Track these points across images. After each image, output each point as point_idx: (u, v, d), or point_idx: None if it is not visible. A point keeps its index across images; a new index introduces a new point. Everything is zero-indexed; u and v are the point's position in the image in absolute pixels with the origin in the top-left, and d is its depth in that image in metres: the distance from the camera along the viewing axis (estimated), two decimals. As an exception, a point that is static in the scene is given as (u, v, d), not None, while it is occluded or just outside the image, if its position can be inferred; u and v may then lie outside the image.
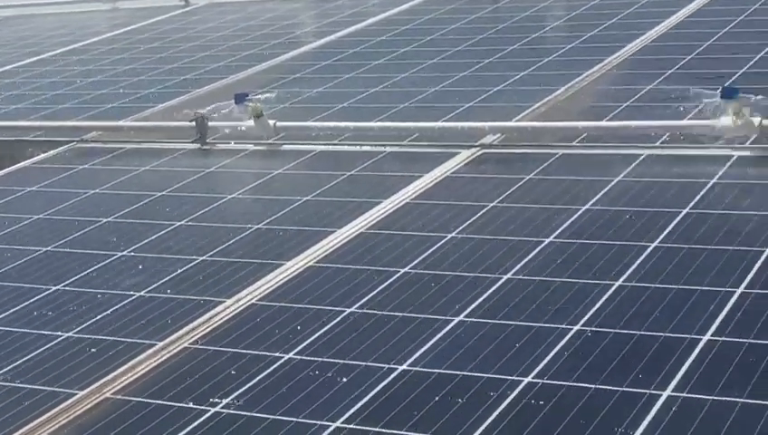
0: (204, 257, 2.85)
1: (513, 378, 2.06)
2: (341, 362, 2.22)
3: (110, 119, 4.32)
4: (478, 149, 3.44)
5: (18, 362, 2.39)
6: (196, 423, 2.06)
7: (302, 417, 2.03)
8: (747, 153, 3.10)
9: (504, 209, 2.93)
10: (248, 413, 2.07)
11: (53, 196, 3.53)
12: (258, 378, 2.19)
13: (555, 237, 2.69)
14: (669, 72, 3.92)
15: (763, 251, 2.45)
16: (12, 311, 2.67)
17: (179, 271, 2.78)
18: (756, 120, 3.11)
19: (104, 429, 2.09)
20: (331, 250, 2.80)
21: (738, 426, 1.81)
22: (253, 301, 2.56)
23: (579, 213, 2.82)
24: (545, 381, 2.04)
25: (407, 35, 5.18)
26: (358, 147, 3.63)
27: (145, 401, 2.17)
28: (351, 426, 1.98)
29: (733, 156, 3.08)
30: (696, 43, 4.25)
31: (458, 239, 2.76)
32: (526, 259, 2.58)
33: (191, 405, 2.12)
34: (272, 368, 2.23)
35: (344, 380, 2.15)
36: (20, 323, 2.59)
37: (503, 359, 2.14)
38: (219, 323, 2.47)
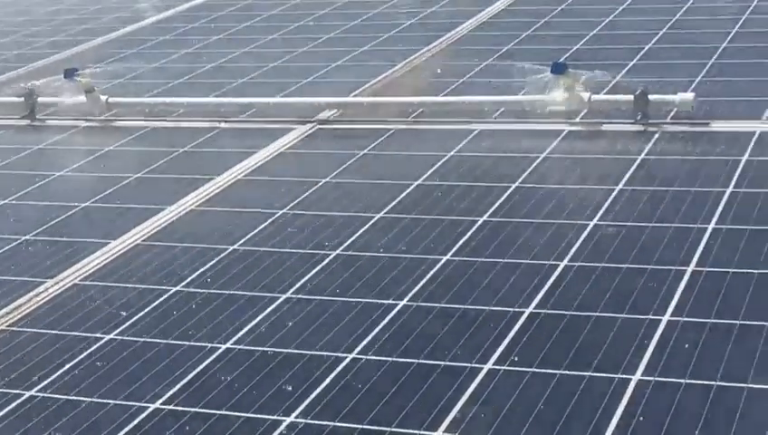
0: (27, 237, 2.76)
1: (338, 354, 2.05)
2: (164, 341, 2.17)
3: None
4: (314, 124, 3.41)
5: None
6: (9, 408, 1.99)
7: (120, 399, 1.98)
8: (578, 128, 3.15)
9: (337, 185, 2.91)
10: (65, 396, 2.01)
11: None
12: (77, 359, 2.13)
13: (386, 213, 2.68)
14: (505, 48, 3.95)
15: (588, 224, 2.49)
16: None
17: (1, 251, 2.69)
18: (586, 95, 3.15)
19: None
20: (160, 228, 2.74)
21: (557, 396, 1.83)
22: (76, 281, 2.49)
23: (411, 188, 2.82)
24: (369, 357, 2.03)
25: (245, 11, 5.11)
26: (192, 123, 3.57)
27: (-43, 386, 2.09)
28: (170, 407, 1.94)
29: (563, 130, 3.12)
30: (533, 20, 4.29)
31: (289, 215, 2.73)
32: (356, 235, 2.57)
33: (5, 390, 2.05)
34: (92, 349, 2.17)
35: (166, 360, 2.10)
36: None
37: (327, 335, 2.12)
38: (40, 304, 2.39)
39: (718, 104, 3.17)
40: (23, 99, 3.75)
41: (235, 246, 2.58)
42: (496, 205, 2.65)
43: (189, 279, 2.44)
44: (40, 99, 3.76)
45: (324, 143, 3.28)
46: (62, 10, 5.59)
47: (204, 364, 2.07)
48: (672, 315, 2.05)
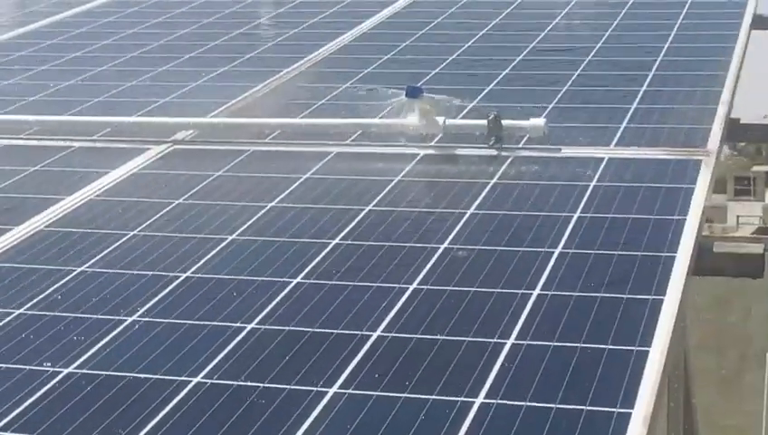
0: None
1: (182, 378, 2.02)
2: (4, 366, 2.12)
3: None
4: (169, 145, 3.38)
5: None
6: None
7: (-46, 425, 1.92)
8: (432, 151, 3.18)
9: (190, 206, 2.88)
10: None
11: None
12: None
13: (238, 235, 2.66)
14: (365, 71, 3.98)
15: (439, 247, 2.51)
16: None
17: None
18: (441, 119, 3.19)
19: None
20: (3, 249, 2.67)
21: (400, 420, 1.84)
22: None
23: (265, 210, 2.81)
24: (214, 381, 2.00)
25: (107, 28, 5.05)
26: (45, 141, 3.50)
27: None
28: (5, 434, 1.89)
29: (419, 154, 3.15)
30: (392, 44, 4.33)
31: (139, 237, 2.69)
32: (208, 256, 2.54)
33: None
34: (-72, 374, 2.10)
35: (6, 384, 2.05)
36: None
37: (173, 359, 2.10)
38: None
39: (570, 130, 3.24)
40: None
41: (83, 268, 2.53)
42: (349, 228, 2.65)
43: (31, 303, 2.38)
44: None
45: (179, 163, 3.24)
46: None
47: (43, 390, 2.02)
48: (517, 338, 2.08)
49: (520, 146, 3.14)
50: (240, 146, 3.33)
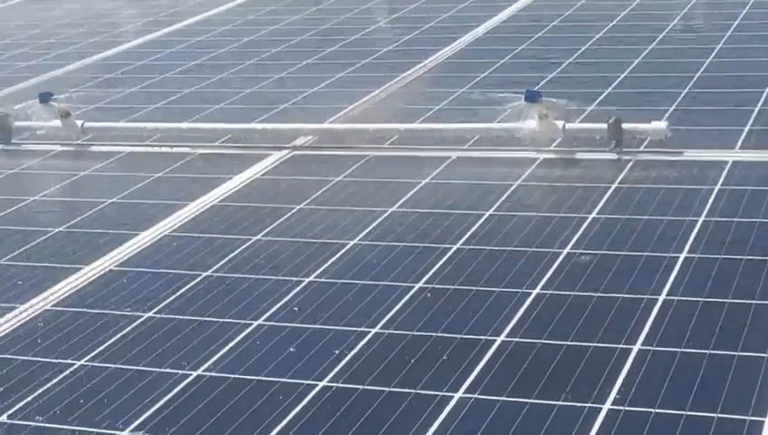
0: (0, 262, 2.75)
1: (309, 382, 2.04)
2: (135, 368, 2.16)
3: None
4: (289, 150, 3.42)
5: None
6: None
7: (91, 426, 1.97)
8: (552, 155, 3.16)
9: (312, 211, 2.91)
10: (32, 423, 2.00)
11: None
12: (47, 386, 2.12)
13: (360, 240, 2.68)
14: (481, 75, 3.97)
15: (561, 252, 2.49)
16: None
17: (-28, 276, 2.68)
18: (560, 123, 3.16)
19: None
20: (132, 254, 2.73)
21: (527, 426, 1.83)
22: (47, 307, 2.47)
23: (385, 215, 2.82)
24: (339, 385, 2.02)
25: (226, 36, 5.12)
26: (168, 148, 3.57)
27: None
28: (141, 434, 1.93)
29: (538, 158, 3.13)
30: (508, 48, 4.31)
31: (263, 242, 2.73)
32: (329, 262, 2.57)
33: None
34: (62, 375, 2.16)
35: (137, 386, 2.10)
36: None
37: (299, 363, 2.12)
38: (8, 331, 2.38)
39: (692, 133, 3.19)
40: (-4, 123, 3.73)
41: (209, 273, 2.58)
42: (470, 232, 2.65)
43: (161, 306, 2.43)
44: (16, 123, 3.75)
45: (299, 169, 3.28)
46: (41, 34, 5.58)
47: (175, 390, 2.06)
48: (643, 344, 2.06)
49: (641, 149, 3.10)
50: (359, 151, 3.35)
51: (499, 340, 2.12)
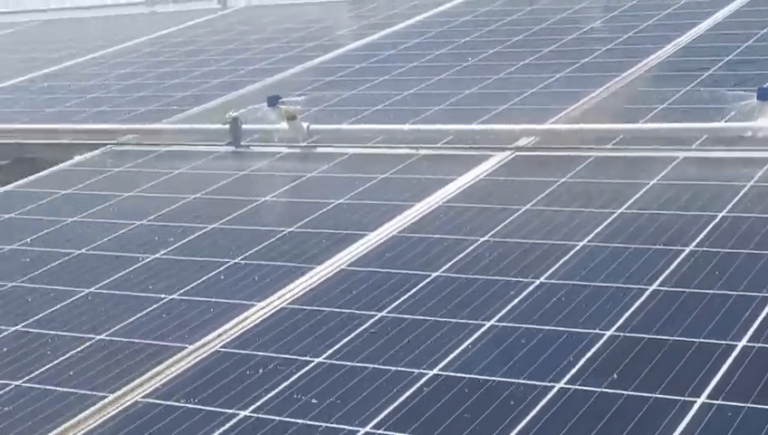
0: (236, 260, 2.85)
1: (545, 384, 2.04)
2: (372, 366, 2.21)
3: (147, 121, 4.33)
4: (512, 151, 3.42)
5: (51, 365, 2.39)
6: (225, 427, 2.05)
7: (331, 422, 2.02)
8: (786, 156, 3.07)
9: (538, 213, 2.91)
10: (277, 417, 2.06)
11: (88, 199, 3.54)
12: (288, 382, 2.18)
13: (588, 241, 2.66)
14: (705, 74, 3.88)
15: (801, 255, 2.42)
16: (46, 313, 2.67)
17: (211, 274, 2.78)
18: (795, 122, 3.07)
19: (134, 432, 2.09)
20: (363, 253, 2.79)
21: (772, 434, 1.79)
22: (283, 305, 2.55)
23: (613, 216, 2.80)
24: (577, 387, 2.02)
25: (442, 37, 5.16)
26: (391, 150, 3.62)
27: (174, 404, 2.16)
28: (381, 431, 1.97)
29: (770, 158, 3.05)
30: (733, 44, 4.20)
31: (491, 243, 2.74)
32: (559, 263, 2.56)
33: (220, 409, 2.11)
34: (301, 372, 2.22)
35: (374, 384, 2.14)
36: (53, 325, 2.60)
37: (534, 364, 2.12)
38: (249, 326, 2.46)
39: None
40: (228, 126, 3.86)
41: (438, 273, 2.61)
42: (703, 234, 2.60)
43: (393, 305, 2.47)
44: (244, 126, 3.87)
45: (523, 170, 3.28)
46: (262, 39, 5.75)
47: (412, 389, 2.09)
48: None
49: None
50: (582, 152, 3.33)
51: (740, 344, 2.07)
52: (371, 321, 2.40)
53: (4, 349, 2.50)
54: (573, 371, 2.07)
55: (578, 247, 2.63)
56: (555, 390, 2.01)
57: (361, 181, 3.35)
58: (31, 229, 3.30)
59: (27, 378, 2.34)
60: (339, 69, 4.83)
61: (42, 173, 3.89)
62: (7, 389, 2.31)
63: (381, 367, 2.20)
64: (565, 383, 2.03)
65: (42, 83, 5.42)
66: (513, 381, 2.07)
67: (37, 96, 5.14)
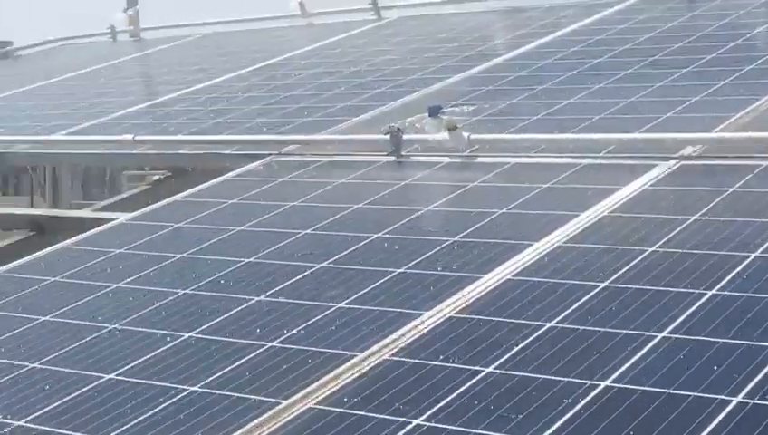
0: (401, 270, 2.87)
1: (723, 397, 2.01)
2: (542, 377, 2.20)
3: (307, 132, 4.40)
4: (677, 161, 3.37)
5: (225, 371, 2.44)
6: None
7: (503, 432, 2.02)
8: None
9: (707, 223, 2.86)
10: (450, 427, 2.07)
11: (253, 208, 3.61)
12: (459, 391, 2.19)
13: (762, 252, 2.61)
14: None
15: None
16: (220, 319, 2.73)
17: (378, 283, 2.81)
18: None
19: (308, 438, 2.13)
20: (528, 263, 2.78)
21: None
22: (451, 314, 2.56)
23: (786, 227, 2.74)
24: (757, 402, 1.97)
25: (599, 45, 5.12)
26: (553, 159, 3.60)
27: (347, 411, 2.19)
28: (555, 442, 1.97)
29: None
30: None
31: (660, 253, 2.71)
32: (732, 274, 2.51)
33: (393, 417, 2.13)
34: (471, 382, 2.23)
35: (545, 395, 2.13)
36: (226, 332, 2.66)
37: (709, 377, 2.09)
38: (418, 335, 2.48)
39: None
40: (389, 136, 3.90)
41: (606, 283, 2.58)
42: None
43: (561, 316, 2.46)
44: (405, 136, 3.90)
45: (689, 180, 3.23)
46: (419, 49, 5.79)
47: (584, 401, 2.08)
48: None
49: None
50: (751, 161, 3.26)
51: None
52: (540, 331, 2.40)
53: (181, 355, 2.57)
54: (751, 384, 2.03)
55: (750, 258, 2.58)
56: (733, 404, 1.98)
57: (524, 191, 3.34)
58: (198, 238, 3.38)
59: (202, 383, 2.40)
60: (496, 78, 4.82)
61: (208, 183, 3.99)
62: (184, 394, 2.37)
63: (552, 378, 2.19)
64: (743, 398, 1.99)
65: (203, 96, 5.55)
66: (689, 394, 2.04)
67: (199, 108, 5.27)
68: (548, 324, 2.42)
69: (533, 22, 5.99)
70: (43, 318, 2.90)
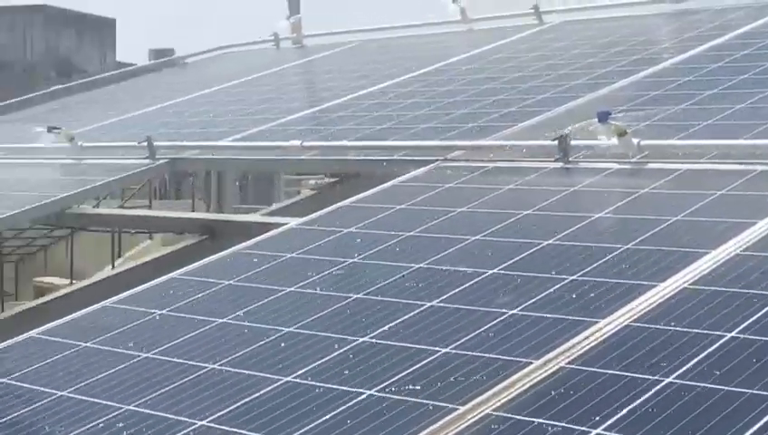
0: (574, 277, 2.85)
1: None
2: (724, 388, 2.16)
3: (472, 138, 4.40)
4: None
5: (401, 376, 2.46)
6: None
7: (687, 444, 2.00)
8: None
9: None
10: (631, 437, 2.05)
11: (421, 214, 3.63)
12: (639, 401, 2.17)
13: None
14: None
15: None
16: (393, 324, 2.75)
17: (550, 290, 2.79)
18: None
19: (486, 445, 2.14)
20: (706, 272, 2.73)
21: None
22: (626, 322, 2.53)
23: None
24: None
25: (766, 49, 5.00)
26: (726, 165, 3.53)
27: (524, 419, 2.19)
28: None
29: None
30: None
31: (837, 263, 2.63)
32: None
33: (572, 426, 2.12)
34: (650, 392, 2.20)
35: (727, 409, 2.09)
36: (399, 336, 2.68)
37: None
38: (594, 343, 2.46)
39: None
40: (556, 142, 3.88)
41: (786, 294, 2.52)
42: None
43: (743, 325, 2.40)
44: (572, 142, 3.87)
45: None
46: (583, 54, 5.74)
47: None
48: None
49: None
50: None
51: None
52: (721, 341, 2.35)
53: (356, 359, 2.60)
54: None
55: None
56: None
57: (697, 198, 3.28)
58: (368, 243, 3.42)
59: (378, 388, 2.43)
60: (664, 83, 4.75)
61: (375, 189, 4.02)
62: (361, 398, 2.40)
63: (735, 389, 2.14)
64: None
65: (366, 102, 5.61)
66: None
67: (364, 114, 5.33)
68: (728, 335, 2.37)
69: (702, 25, 5.87)
70: (221, 320, 2.97)
